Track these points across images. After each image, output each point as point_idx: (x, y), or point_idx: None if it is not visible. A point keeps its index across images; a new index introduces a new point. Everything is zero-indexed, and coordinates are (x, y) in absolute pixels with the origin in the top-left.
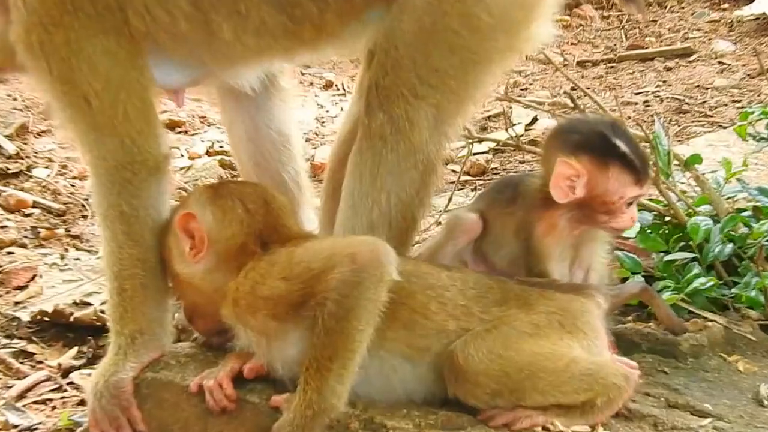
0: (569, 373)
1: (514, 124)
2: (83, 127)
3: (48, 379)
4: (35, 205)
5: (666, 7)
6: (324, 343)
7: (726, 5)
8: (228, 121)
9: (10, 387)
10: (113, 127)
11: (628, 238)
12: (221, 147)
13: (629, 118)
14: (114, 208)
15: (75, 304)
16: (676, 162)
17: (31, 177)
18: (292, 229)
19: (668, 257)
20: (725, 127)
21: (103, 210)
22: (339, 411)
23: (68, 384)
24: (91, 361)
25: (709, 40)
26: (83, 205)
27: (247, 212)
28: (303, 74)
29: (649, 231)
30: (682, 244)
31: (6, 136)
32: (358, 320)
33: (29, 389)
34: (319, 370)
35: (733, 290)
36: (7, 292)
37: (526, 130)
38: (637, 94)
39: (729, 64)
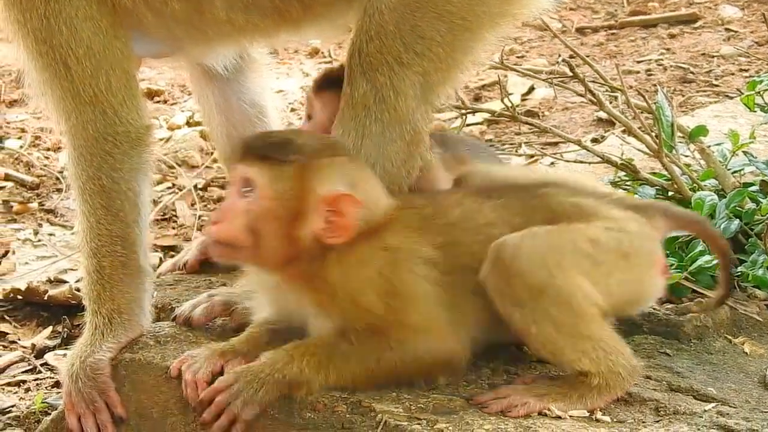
0: (590, 331)
1: (510, 94)
2: (60, 93)
3: (21, 360)
4: (7, 177)
5: None
6: (349, 359)
7: None
8: (197, 92)
9: None
10: (94, 96)
11: None
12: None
13: (631, 87)
14: (93, 181)
15: (49, 281)
16: (680, 134)
17: (2, 148)
18: None
19: (671, 233)
20: (732, 98)
21: (81, 183)
22: (299, 396)
23: (42, 365)
24: (67, 342)
25: (715, 5)
26: (58, 178)
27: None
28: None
29: None
30: None
31: None
32: (393, 377)
33: (2, 370)
34: (321, 363)
35: (740, 269)
36: None
37: (522, 100)
38: (639, 62)
39: (736, 31)
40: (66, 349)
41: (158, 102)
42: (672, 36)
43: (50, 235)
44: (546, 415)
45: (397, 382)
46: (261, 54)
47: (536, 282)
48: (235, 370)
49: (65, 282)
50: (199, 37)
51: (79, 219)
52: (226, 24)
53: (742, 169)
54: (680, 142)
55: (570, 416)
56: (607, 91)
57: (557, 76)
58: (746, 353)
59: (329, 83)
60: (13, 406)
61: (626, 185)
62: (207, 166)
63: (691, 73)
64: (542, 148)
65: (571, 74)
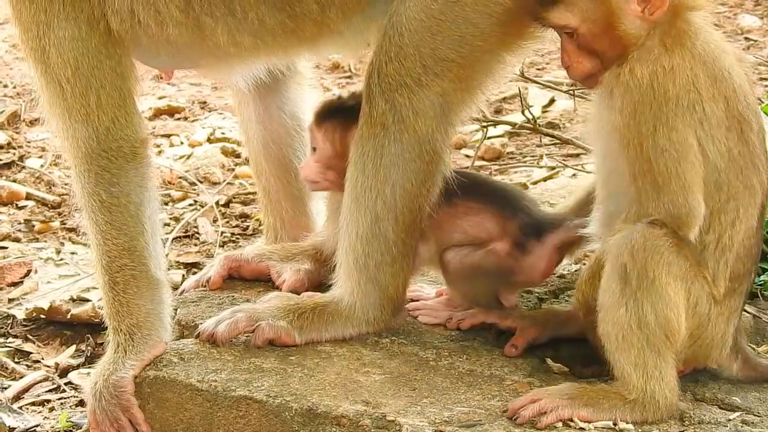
0: (662, 350)
1: (531, 106)
2: (59, 111)
3: (45, 379)
4: (29, 197)
5: None
6: None
7: None
8: (238, 99)
9: (6, 388)
10: (86, 114)
11: None
12: (222, 134)
13: None
14: (93, 198)
15: (72, 300)
16: None
17: (23, 167)
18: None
19: None
20: None
21: (84, 200)
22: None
23: (66, 384)
24: (90, 360)
25: (735, 14)
26: None
27: None
28: None
29: None
30: None
31: None
32: None
33: (26, 390)
34: None
35: (762, 278)
36: (1, 289)
37: (543, 112)
38: None
39: (756, 40)
40: (90, 367)
41: (179, 119)
42: None
43: (72, 253)
44: (570, 426)
45: None
46: (305, 67)
47: (652, 275)
48: None
49: (88, 300)
50: (209, 56)
51: (89, 237)
52: (232, 46)
53: None
54: None
55: (594, 428)
56: None
57: (578, 87)
58: None
59: (329, 114)
60: (37, 426)
61: None
62: (228, 183)
63: None
64: (564, 160)
65: None
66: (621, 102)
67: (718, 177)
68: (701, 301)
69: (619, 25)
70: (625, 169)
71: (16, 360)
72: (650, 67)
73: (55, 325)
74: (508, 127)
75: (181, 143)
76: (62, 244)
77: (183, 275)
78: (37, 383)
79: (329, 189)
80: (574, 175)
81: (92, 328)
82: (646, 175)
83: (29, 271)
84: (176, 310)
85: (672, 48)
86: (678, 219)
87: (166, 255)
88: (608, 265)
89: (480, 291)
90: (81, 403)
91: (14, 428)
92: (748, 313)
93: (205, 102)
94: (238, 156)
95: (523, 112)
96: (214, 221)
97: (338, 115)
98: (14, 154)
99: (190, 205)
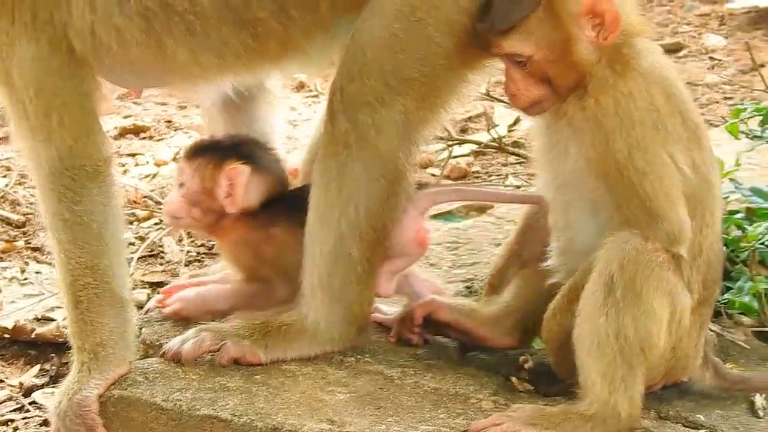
0: (633, 364)
1: (497, 125)
2: (23, 131)
3: (9, 399)
4: None
5: (654, 0)
6: None
7: None
8: (207, 118)
9: None
10: (49, 134)
11: None
12: None
13: None
14: (56, 217)
15: (37, 319)
16: None
17: None
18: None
19: None
20: (716, 126)
21: (49, 220)
22: None
23: (30, 404)
24: (55, 380)
25: (700, 34)
26: None
27: None
28: None
29: None
30: None
31: None
32: None
33: None
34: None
35: (726, 296)
36: None
37: (509, 130)
38: None
39: (720, 60)
40: (54, 387)
41: (144, 138)
42: None
43: (37, 273)
44: None
45: None
46: (275, 86)
47: (639, 288)
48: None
49: (53, 320)
50: (173, 76)
51: (54, 256)
52: (195, 66)
53: (728, 197)
54: None
55: None
56: None
57: None
58: None
59: (202, 150)
60: None
61: None
62: None
63: None
64: (529, 179)
65: None
66: (591, 135)
67: (688, 188)
68: (685, 315)
69: (574, 51)
70: (602, 199)
71: None
72: (611, 95)
73: (20, 345)
74: (473, 146)
75: (147, 162)
76: (27, 263)
77: (148, 294)
78: (1, 403)
79: (192, 227)
80: None
81: (57, 347)
82: (633, 200)
83: None
84: (141, 329)
85: (623, 73)
86: (672, 236)
87: (131, 274)
88: (595, 272)
89: None
90: (45, 423)
91: None
92: (712, 331)
93: (170, 121)
94: None
95: (488, 131)
96: (180, 241)
97: (212, 152)
98: None
99: (156, 224)
